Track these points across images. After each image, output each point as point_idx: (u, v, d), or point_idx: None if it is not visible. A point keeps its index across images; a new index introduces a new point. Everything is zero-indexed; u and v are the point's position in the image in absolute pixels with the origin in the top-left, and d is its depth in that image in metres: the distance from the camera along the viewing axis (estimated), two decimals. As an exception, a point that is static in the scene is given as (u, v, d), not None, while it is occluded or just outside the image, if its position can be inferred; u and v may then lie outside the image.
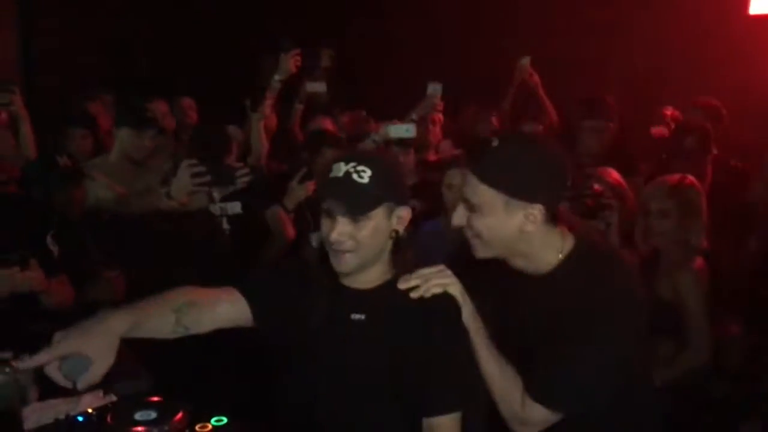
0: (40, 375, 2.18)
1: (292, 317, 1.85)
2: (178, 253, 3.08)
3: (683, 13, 5.07)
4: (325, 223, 1.77)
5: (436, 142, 4.30)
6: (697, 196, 2.98)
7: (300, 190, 3.63)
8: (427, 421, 1.70)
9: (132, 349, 2.51)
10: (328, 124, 4.34)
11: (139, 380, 2.37)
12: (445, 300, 1.79)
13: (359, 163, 1.73)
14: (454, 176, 3.18)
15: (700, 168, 3.45)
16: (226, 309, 1.84)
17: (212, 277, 3.22)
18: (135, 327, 1.69)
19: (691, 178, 3.01)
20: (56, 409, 2.01)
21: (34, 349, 2.21)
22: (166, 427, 1.85)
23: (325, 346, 1.82)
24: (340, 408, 1.77)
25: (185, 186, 2.91)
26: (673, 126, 4.26)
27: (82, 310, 2.76)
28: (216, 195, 3.27)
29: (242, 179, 3.24)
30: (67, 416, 1.94)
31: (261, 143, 4.13)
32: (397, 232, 1.80)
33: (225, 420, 1.91)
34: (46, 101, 4.29)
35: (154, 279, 2.96)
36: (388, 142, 3.78)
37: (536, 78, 4.65)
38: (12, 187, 3.02)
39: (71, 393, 2.16)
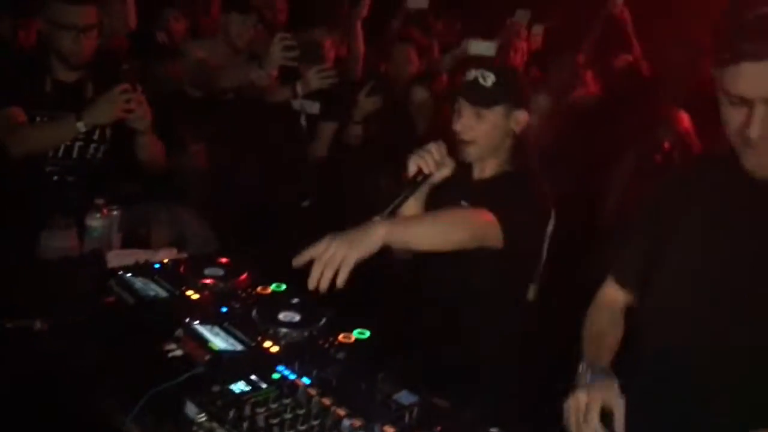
0: (123, 225, 2.44)
1: None
2: (257, 137, 3.25)
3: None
4: (454, 119, 2.16)
5: (515, 69, 4.27)
6: None
7: (367, 103, 3.66)
8: None
9: (207, 218, 2.74)
10: (418, 36, 4.29)
11: (210, 247, 2.59)
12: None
13: (486, 70, 2.13)
14: (417, 93, 3.45)
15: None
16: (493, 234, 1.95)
17: (284, 164, 3.43)
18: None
19: None
20: (136, 256, 2.23)
21: (120, 202, 2.46)
22: (232, 284, 2.06)
23: None
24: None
25: (277, 58, 3.01)
26: None
27: (165, 176, 2.98)
28: (299, 91, 3.38)
29: (326, 81, 3.33)
30: (146, 261, 2.15)
31: (357, 44, 4.15)
32: (515, 132, 2.15)
33: (284, 287, 2.09)
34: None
35: (232, 156, 3.20)
36: (468, 59, 3.79)
37: (627, 14, 4.52)
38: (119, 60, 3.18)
39: (149, 247, 2.41)
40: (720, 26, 1.39)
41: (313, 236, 2.33)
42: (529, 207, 2.06)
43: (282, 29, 3.97)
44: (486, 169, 2.20)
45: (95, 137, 2.70)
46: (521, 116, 2.15)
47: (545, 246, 2.23)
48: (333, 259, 1.56)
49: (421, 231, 1.79)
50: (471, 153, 2.16)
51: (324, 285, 1.56)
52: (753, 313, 1.43)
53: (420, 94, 3.43)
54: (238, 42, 3.44)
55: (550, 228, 2.20)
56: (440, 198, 2.12)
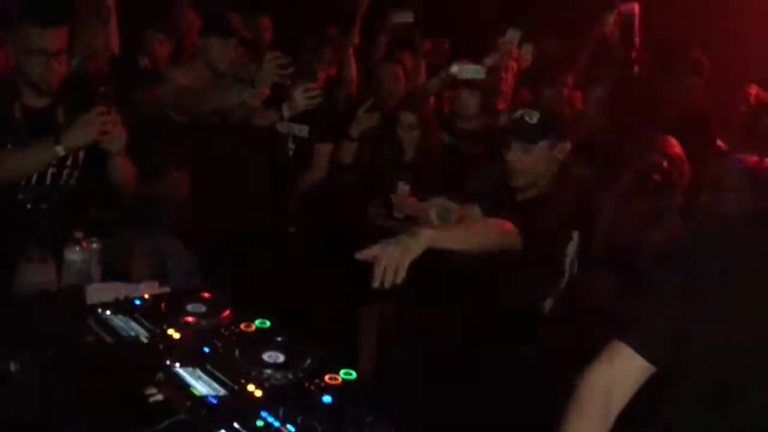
0: (103, 257, 2.37)
1: None
2: (241, 162, 3.18)
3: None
4: (504, 151, 2.46)
5: (507, 90, 4.24)
6: None
7: (366, 120, 3.59)
8: None
9: (190, 247, 2.68)
10: (405, 57, 4.27)
11: (193, 276, 2.53)
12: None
13: (532, 109, 2.44)
14: (406, 117, 3.44)
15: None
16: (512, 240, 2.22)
17: (268, 190, 3.37)
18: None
19: None
20: (116, 290, 2.16)
21: (101, 233, 2.40)
22: (214, 321, 1.99)
23: None
24: None
25: (269, 75, 2.95)
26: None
27: (145, 204, 2.92)
28: (286, 113, 3.31)
29: (312, 101, 3.26)
30: (126, 298, 2.08)
31: (350, 70, 4.11)
32: (559, 160, 2.45)
33: (268, 323, 2.03)
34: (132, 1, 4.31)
35: (215, 182, 3.14)
36: (456, 81, 3.75)
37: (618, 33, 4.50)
38: (95, 82, 3.12)
39: (130, 279, 2.35)
40: None
41: (299, 263, 2.31)
42: (546, 223, 2.30)
43: (267, 49, 3.92)
44: (528, 192, 2.48)
45: (68, 163, 2.63)
46: (565, 147, 2.46)
47: (567, 263, 2.47)
48: (391, 261, 1.83)
49: (458, 236, 2.11)
50: (519, 180, 2.46)
51: (388, 283, 1.82)
52: None
53: (408, 118, 3.38)
54: (219, 65, 3.37)
55: (571, 248, 2.47)
56: (487, 211, 2.46)
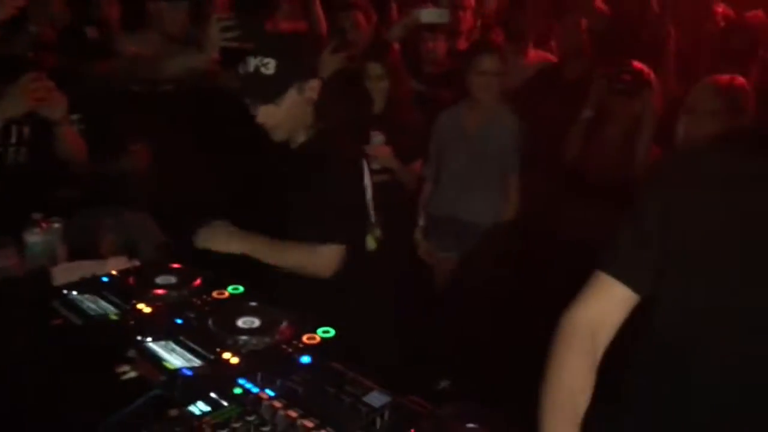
0: (68, 236, 2.30)
1: None
2: (200, 128, 3.09)
3: None
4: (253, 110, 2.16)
5: (467, 28, 4.13)
6: (746, 97, 2.88)
7: (333, 61, 3.28)
8: None
9: (158, 220, 2.61)
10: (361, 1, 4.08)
11: (161, 250, 2.47)
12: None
13: (265, 56, 2.08)
14: (482, 62, 3.21)
15: (746, 69, 3.30)
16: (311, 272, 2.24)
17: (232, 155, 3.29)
18: None
19: (741, 79, 2.90)
20: (83, 269, 2.10)
21: (60, 213, 2.32)
22: (185, 292, 1.94)
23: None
24: None
25: (215, 40, 2.79)
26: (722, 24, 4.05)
27: (107, 180, 2.84)
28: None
29: None
30: (93, 276, 2.02)
31: (320, 24, 3.91)
32: (314, 99, 2.18)
33: (241, 288, 1.98)
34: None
35: (174, 153, 3.05)
36: (419, 27, 3.64)
37: None
38: (44, 54, 2.99)
39: (96, 256, 2.28)
40: None
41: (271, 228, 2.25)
42: (339, 191, 2.17)
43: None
44: (298, 138, 2.25)
45: (12, 140, 2.56)
46: (313, 84, 2.17)
47: (368, 197, 2.32)
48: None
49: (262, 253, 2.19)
50: (278, 135, 2.20)
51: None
52: None
53: (375, 69, 3.26)
54: (171, 30, 3.24)
55: (366, 179, 2.29)
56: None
